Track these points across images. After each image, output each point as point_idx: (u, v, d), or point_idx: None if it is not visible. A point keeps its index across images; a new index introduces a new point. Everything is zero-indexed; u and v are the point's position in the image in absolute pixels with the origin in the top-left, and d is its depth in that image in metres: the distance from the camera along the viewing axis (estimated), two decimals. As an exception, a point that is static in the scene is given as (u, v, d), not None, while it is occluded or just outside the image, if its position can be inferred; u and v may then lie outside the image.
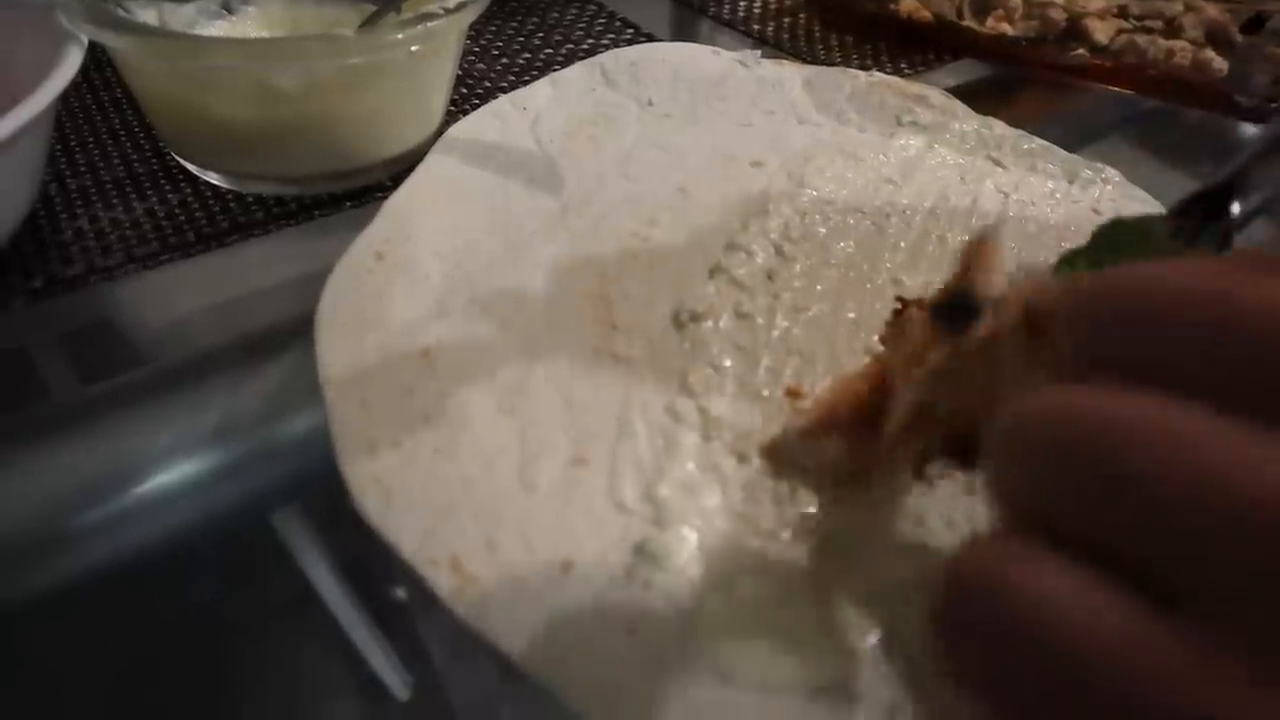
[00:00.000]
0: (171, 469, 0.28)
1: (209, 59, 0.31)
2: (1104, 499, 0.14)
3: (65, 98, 0.41)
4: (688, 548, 0.24)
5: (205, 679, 0.24)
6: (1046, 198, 0.39)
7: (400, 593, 0.26)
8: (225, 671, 0.24)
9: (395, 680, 0.24)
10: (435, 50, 0.35)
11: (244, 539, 0.28)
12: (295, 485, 0.30)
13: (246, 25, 0.41)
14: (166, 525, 0.27)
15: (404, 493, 0.25)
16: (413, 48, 0.32)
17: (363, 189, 0.37)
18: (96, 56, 0.43)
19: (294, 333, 0.31)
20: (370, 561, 0.27)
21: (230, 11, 0.41)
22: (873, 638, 0.23)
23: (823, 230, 0.36)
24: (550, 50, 0.49)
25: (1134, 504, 0.14)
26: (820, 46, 0.52)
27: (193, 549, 0.27)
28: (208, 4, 0.40)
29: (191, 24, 0.39)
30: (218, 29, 0.40)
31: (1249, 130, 0.50)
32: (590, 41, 0.49)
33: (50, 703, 0.23)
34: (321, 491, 0.29)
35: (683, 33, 0.53)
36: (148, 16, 0.36)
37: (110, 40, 0.31)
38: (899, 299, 0.27)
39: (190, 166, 0.37)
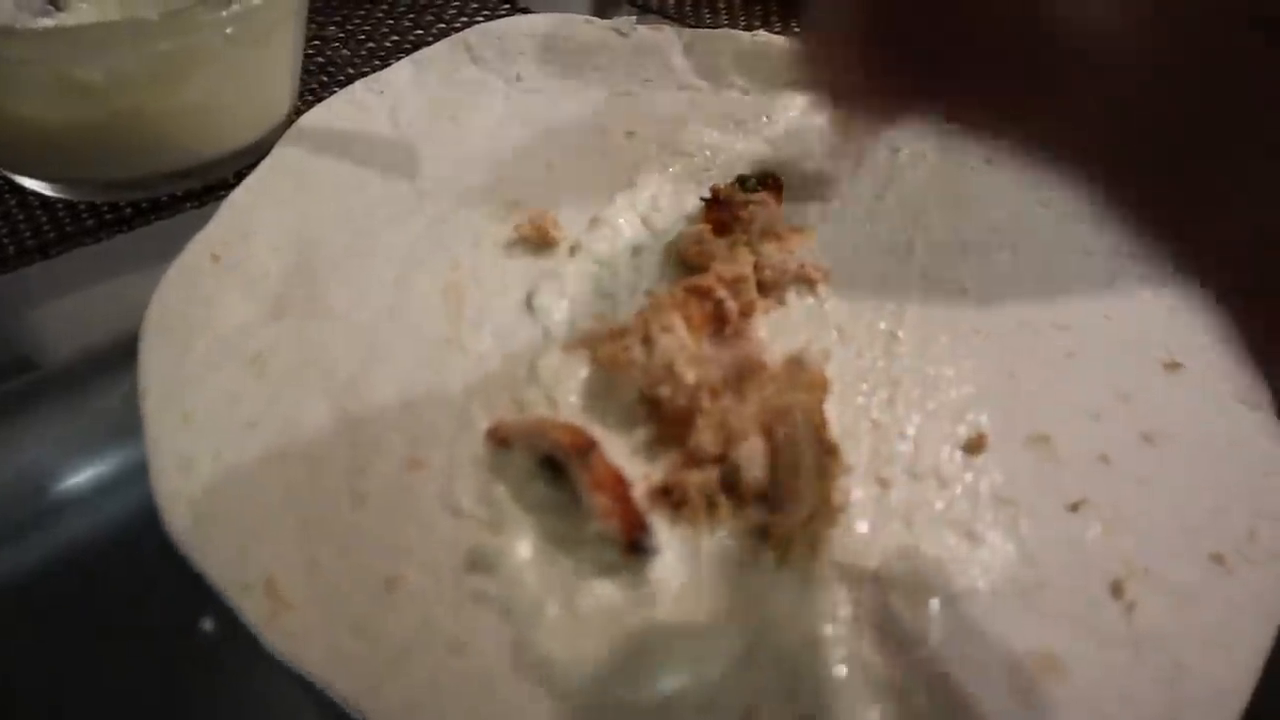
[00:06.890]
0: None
1: (-1, 53, 0.29)
2: None
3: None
4: (523, 552, 0.22)
5: (132, 702, 0.22)
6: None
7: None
8: (169, 694, 0.22)
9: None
10: (264, 36, 0.33)
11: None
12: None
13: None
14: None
15: (218, 510, 0.23)
16: (227, 30, 0.30)
17: (205, 188, 0.35)
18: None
19: (127, 348, 0.28)
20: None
21: (59, 8, 0.38)
22: (735, 642, 0.21)
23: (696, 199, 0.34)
24: (420, 31, 0.46)
25: None
26: (706, 10, 0.49)
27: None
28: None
29: (12, 20, 0.36)
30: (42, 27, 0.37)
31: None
32: (464, 20, 0.47)
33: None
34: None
35: (560, 4, 0.51)
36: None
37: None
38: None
39: (10, 175, 0.34)
